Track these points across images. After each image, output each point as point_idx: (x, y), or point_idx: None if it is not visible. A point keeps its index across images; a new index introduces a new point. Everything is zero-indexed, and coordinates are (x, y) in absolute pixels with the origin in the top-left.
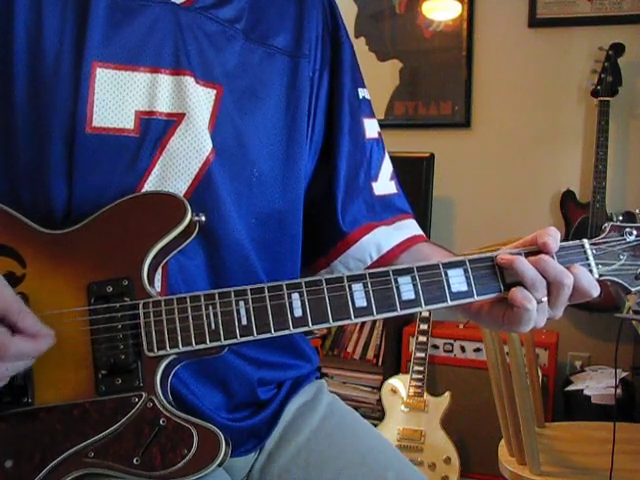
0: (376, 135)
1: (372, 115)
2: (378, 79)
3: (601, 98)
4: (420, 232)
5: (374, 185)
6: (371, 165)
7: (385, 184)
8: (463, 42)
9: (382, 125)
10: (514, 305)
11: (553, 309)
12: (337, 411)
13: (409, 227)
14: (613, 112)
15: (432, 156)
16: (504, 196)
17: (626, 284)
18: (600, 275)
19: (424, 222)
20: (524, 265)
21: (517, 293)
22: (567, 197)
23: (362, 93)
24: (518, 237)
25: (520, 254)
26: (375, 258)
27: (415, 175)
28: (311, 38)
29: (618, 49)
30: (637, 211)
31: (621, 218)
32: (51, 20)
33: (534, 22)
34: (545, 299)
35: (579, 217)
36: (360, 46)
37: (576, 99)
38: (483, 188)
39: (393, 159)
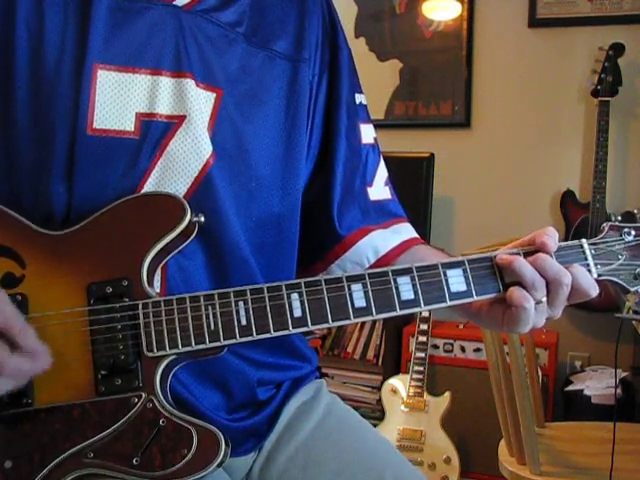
0: (372, 140)
1: (369, 120)
2: (378, 79)
3: (601, 98)
4: (416, 235)
5: (369, 190)
6: (367, 170)
7: (380, 189)
8: (463, 42)
9: (382, 125)
10: (512, 304)
11: (552, 308)
12: (336, 411)
13: (406, 230)
14: (613, 112)
15: (432, 156)
16: (504, 196)
17: (625, 284)
18: (599, 275)
19: (424, 222)
20: (523, 265)
21: (515, 292)
22: (567, 197)
23: (359, 98)
24: (518, 237)
25: (519, 254)
26: (372, 261)
27: (415, 175)
28: (311, 43)
29: (618, 49)
30: (636, 211)
31: (620, 218)
32: (53, 22)
33: (534, 22)
34: (545, 299)
35: (579, 217)
36: (360, 46)
37: (576, 99)
38: (483, 188)
39: (393, 159)
